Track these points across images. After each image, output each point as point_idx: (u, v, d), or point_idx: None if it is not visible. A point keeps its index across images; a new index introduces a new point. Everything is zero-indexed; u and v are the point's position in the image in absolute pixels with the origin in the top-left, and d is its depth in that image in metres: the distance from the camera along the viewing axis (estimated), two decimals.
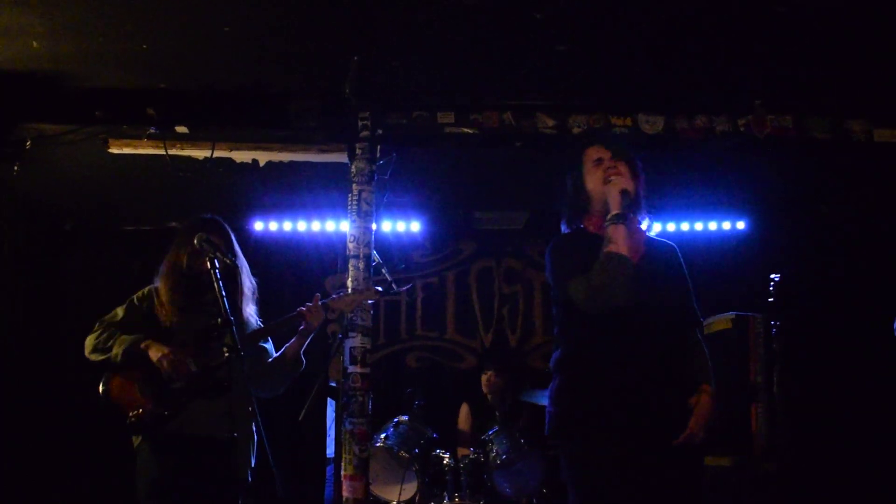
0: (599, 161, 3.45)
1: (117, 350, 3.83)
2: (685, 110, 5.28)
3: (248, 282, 4.16)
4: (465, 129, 5.19)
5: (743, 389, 5.50)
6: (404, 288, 5.98)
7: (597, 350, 3.20)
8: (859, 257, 7.02)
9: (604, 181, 3.35)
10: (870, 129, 5.35)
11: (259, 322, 4.23)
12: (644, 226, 3.47)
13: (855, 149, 5.39)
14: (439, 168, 6.38)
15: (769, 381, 5.65)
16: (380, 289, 4.45)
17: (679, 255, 3.54)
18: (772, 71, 4.94)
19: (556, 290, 3.34)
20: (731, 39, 4.56)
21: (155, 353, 3.78)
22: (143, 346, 3.82)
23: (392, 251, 7.28)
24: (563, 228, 3.58)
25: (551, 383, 3.37)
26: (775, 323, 5.50)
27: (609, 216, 3.22)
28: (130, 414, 3.77)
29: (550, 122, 5.20)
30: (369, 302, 4.66)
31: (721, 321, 5.72)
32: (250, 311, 4.19)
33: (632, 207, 3.30)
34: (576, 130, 5.21)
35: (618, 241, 3.15)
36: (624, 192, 3.27)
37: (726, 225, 7.51)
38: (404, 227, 7.44)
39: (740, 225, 7.50)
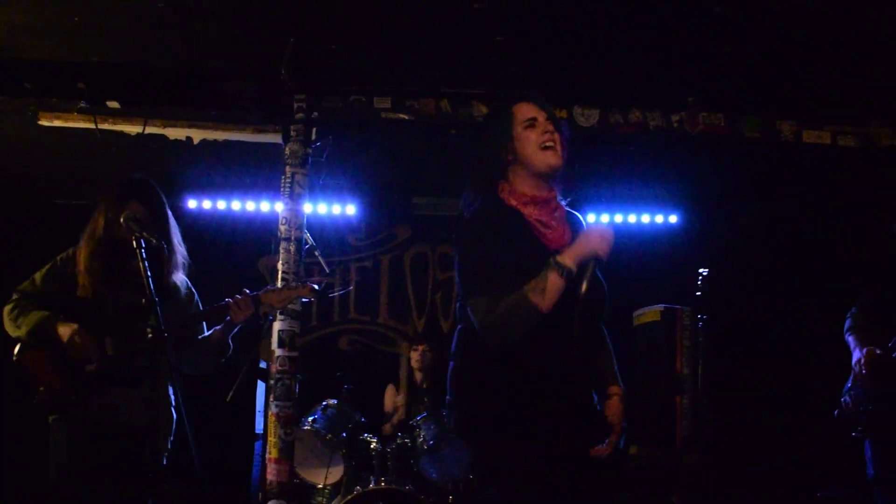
0: (533, 121, 2.88)
1: (24, 329, 3.63)
2: (620, 104, 5.34)
3: (179, 256, 3.99)
4: (402, 115, 5.19)
5: (669, 381, 5.58)
6: (334, 273, 5.95)
7: (500, 375, 2.79)
8: (785, 254, 7.19)
9: (542, 148, 2.85)
10: (799, 129, 5.48)
11: (192, 290, 4.12)
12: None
13: (784, 148, 5.52)
14: (376, 152, 6.37)
15: (694, 373, 5.75)
16: (316, 287, 4.28)
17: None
18: (706, 69, 5.03)
19: (460, 291, 2.87)
20: (666, 36, 4.63)
21: (64, 332, 3.58)
22: (51, 325, 3.61)
23: (327, 233, 7.23)
24: (467, 201, 3.01)
25: (451, 365, 2.98)
26: (702, 316, 5.60)
27: (560, 261, 2.67)
28: (40, 389, 3.61)
29: (486, 111, 5.21)
30: (304, 300, 4.54)
31: (650, 313, 5.81)
32: (180, 279, 4.04)
33: (586, 272, 2.73)
34: None
35: (548, 295, 2.65)
36: (595, 260, 2.73)
37: (659, 218, 7.61)
38: (340, 209, 7.40)
39: (672, 219, 7.62)
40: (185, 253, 4.01)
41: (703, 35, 4.60)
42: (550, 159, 2.84)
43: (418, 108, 5.21)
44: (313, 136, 5.12)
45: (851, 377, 4.16)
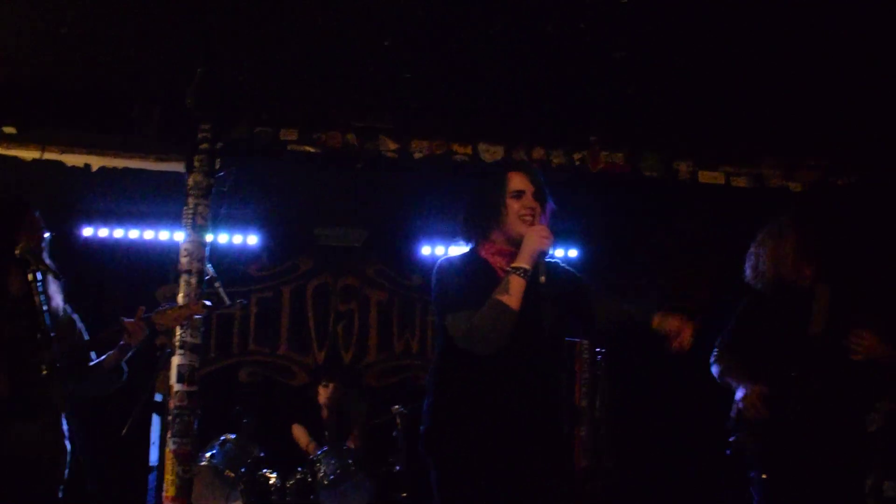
0: (520, 193, 3.18)
1: None
2: (524, 141, 5.42)
3: (59, 282, 3.82)
4: (308, 148, 5.17)
5: (570, 413, 5.65)
6: (236, 303, 5.83)
7: (474, 372, 3.07)
8: (681, 289, 7.35)
9: (520, 218, 3.15)
10: (695, 170, 5.66)
11: (71, 314, 3.96)
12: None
13: (681, 188, 5.70)
14: (281, 183, 6.31)
15: (592, 404, 5.83)
16: (208, 303, 4.24)
17: (578, 277, 3.42)
18: (608, 110, 5.15)
19: (437, 315, 3.20)
20: (569, 77, 4.74)
21: None
22: None
23: (228, 263, 7.10)
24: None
25: (426, 399, 3.22)
26: (600, 350, 5.70)
27: (516, 265, 3.03)
28: None
29: (393, 146, 5.25)
30: (197, 317, 4.49)
31: None
32: (59, 304, 3.86)
33: (540, 268, 3.08)
34: (417, 155, 5.28)
35: (514, 294, 2.99)
36: (542, 254, 3.08)
37: (559, 252, 7.70)
38: (241, 239, 7.29)
39: (572, 253, 7.73)
40: (60, 280, 3.84)
41: (605, 77, 4.72)
42: (523, 230, 3.10)
43: (325, 140, 5.21)
44: (217, 167, 5.03)
45: (735, 413, 4.22)
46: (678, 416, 6.88)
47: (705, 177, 5.62)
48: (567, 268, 3.41)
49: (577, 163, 5.49)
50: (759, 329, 4.14)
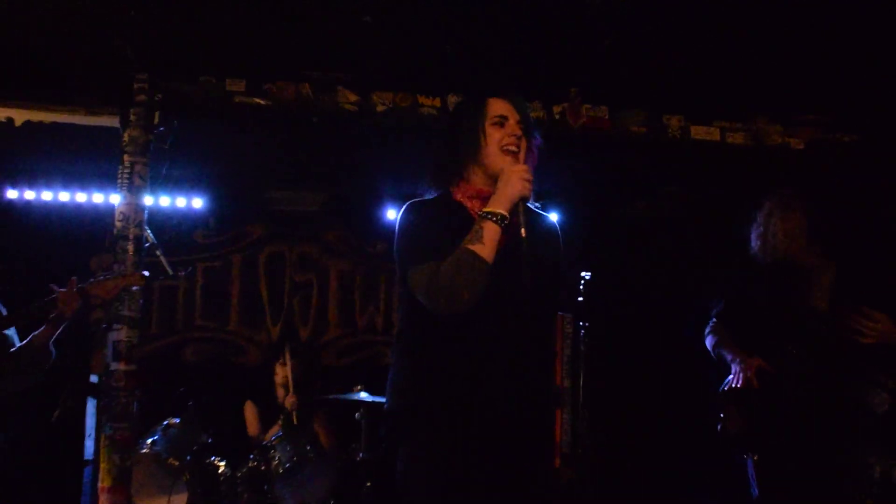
0: (503, 120, 3.00)
1: None
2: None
3: None
4: (258, 100, 5.17)
5: (550, 394, 5.71)
6: (181, 272, 5.85)
7: (443, 339, 2.90)
8: (668, 258, 7.45)
9: (503, 150, 2.97)
10: (686, 125, 5.72)
11: None
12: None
13: (670, 145, 5.77)
14: (228, 139, 6.31)
15: (576, 384, 5.91)
16: (146, 273, 4.24)
17: (559, 235, 3.22)
18: (589, 60, 5.17)
19: (399, 269, 2.99)
20: (548, 24, 4.74)
21: None
22: None
23: (170, 229, 7.10)
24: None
25: (390, 371, 3.05)
26: (584, 324, 5.75)
27: (488, 210, 2.84)
28: None
29: (353, 98, 5.27)
30: (135, 288, 4.52)
31: None
32: None
33: (519, 216, 2.85)
34: (380, 108, 5.30)
35: (487, 243, 2.79)
36: (522, 200, 2.86)
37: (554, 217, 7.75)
38: (185, 203, 7.29)
39: (552, 217, 7.76)
40: None
41: (586, 24, 4.74)
42: (512, 178, 2.89)
43: (276, 91, 5.21)
44: (156, 121, 5.04)
45: (726, 387, 4.33)
46: (667, 397, 7.01)
47: (698, 132, 5.69)
48: (550, 221, 3.23)
49: (557, 117, 5.53)
50: (757, 301, 4.26)
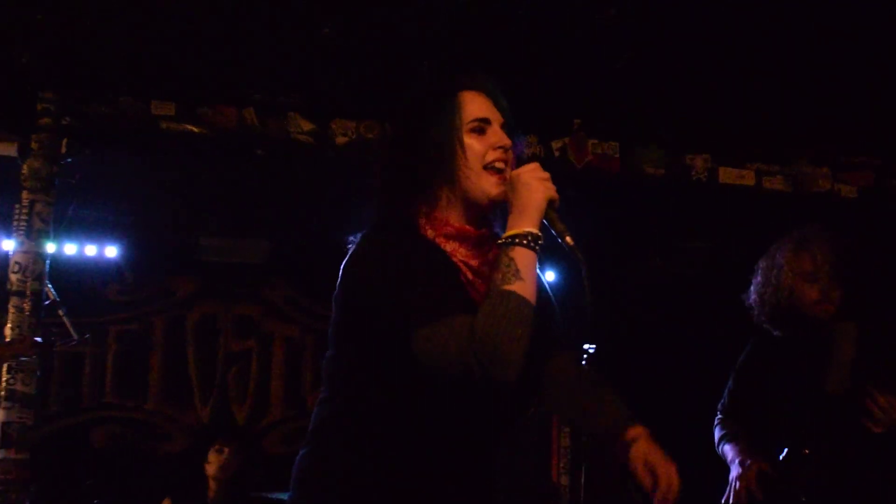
0: (483, 125, 2.58)
1: None
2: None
3: None
4: (190, 127, 5.13)
5: (543, 495, 5.66)
6: (87, 337, 5.75)
7: (407, 423, 2.54)
8: (690, 327, 7.42)
9: (485, 163, 2.53)
10: (714, 166, 5.71)
11: None
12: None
13: (694, 190, 5.75)
14: (152, 175, 6.26)
15: (576, 483, 5.85)
16: (39, 339, 4.20)
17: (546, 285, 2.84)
18: (597, 86, 5.16)
19: (375, 328, 2.54)
20: (546, 41, 4.73)
21: None
22: None
23: (77, 283, 7.02)
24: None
25: (301, 455, 2.64)
26: None
27: (513, 233, 2.43)
28: None
29: (307, 126, 5.25)
30: (23, 359, 4.46)
31: None
32: None
33: (557, 225, 2.52)
34: (340, 139, 5.28)
35: (526, 276, 2.38)
36: (551, 203, 2.47)
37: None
38: (96, 251, 7.22)
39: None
40: None
41: (594, 41, 4.72)
42: (492, 188, 2.53)
43: (213, 117, 5.18)
44: (63, 150, 5.00)
45: (730, 494, 4.28)
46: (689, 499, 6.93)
47: (728, 175, 5.67)
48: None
49: (556, 154, 5.51)
50: (763, 385, 4.19)
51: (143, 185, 6.45)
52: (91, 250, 7.22)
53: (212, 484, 6.41)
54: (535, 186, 2.43)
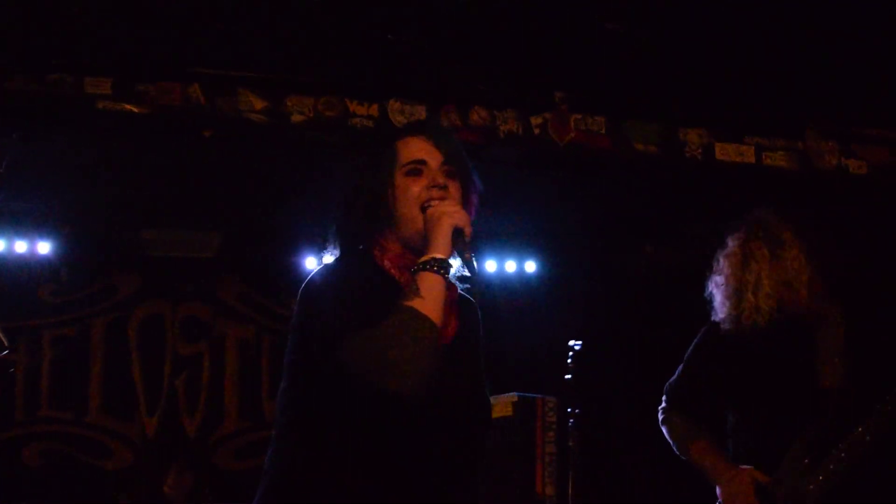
0: (420, 166, 2.91)
1: None
2: (457, 98, 5.41)
3: None
4: (128, 106, 5.06)
5: None
6: (11, 346, 5.72)
7: (356, 456, 2.77)
8: (684, 320, 7.39)
9: (421, 206, 2.85)
10: (710, 142, 5.69)
11: None
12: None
13: (688, 169, 5.73)
14: (88, 161, 6.18)
15: (563, 493, 5.81)
16: None
17: (479, 316, 3.16)
18: (581, 54, 5.14)
19: (318, 344, 2.81)
20: (522, 4, 4.70)
21: None
22: None
23: (6, 284, 7.06)
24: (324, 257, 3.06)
25: (268, 475, 2.85)
26: (574, 409, 5.66)
27: (426, 260, 2.75)
28: None
29: (259, 105, 5.19)
30: None
31: (499, 404, 5.83)
32: None
33: (464, 252, 2.82)
34: (297, 118, 5.23)
35: (426, 294, 2.71)
36: (457, 231, 2.78)
37: (509, 266, 7.70)
38: (26, 247, 7.14)
39: (529, 267, 7.72)
40: None
41: (577, 4, 4.70)
42: (442, 224, 2.82)
43: (155, 95, 5.11)
44: None
45: None
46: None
47: (725, 152, 5.66)
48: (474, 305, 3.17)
49: (537, 131, 5.47)
50: (733, 376, 4.14)
51: (78, 173, 6.38)
52: (21, 246, 7.17)
53: None
54: (441, 220, 2.78)
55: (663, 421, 4.34)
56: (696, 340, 4.27)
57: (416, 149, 2.94)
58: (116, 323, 7.56)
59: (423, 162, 2.91)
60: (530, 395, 5.72)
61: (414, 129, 3.04)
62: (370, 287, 2.84)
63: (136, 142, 5.69)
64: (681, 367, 4.32)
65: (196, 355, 7.61)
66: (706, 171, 5.74)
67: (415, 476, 2.82)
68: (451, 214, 2.79)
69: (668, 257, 7.48)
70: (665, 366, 7.23)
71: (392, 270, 2.92)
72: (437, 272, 2.74)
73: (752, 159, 5.72)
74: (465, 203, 2.94)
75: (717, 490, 4.05)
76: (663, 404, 4.34)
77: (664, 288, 7.54)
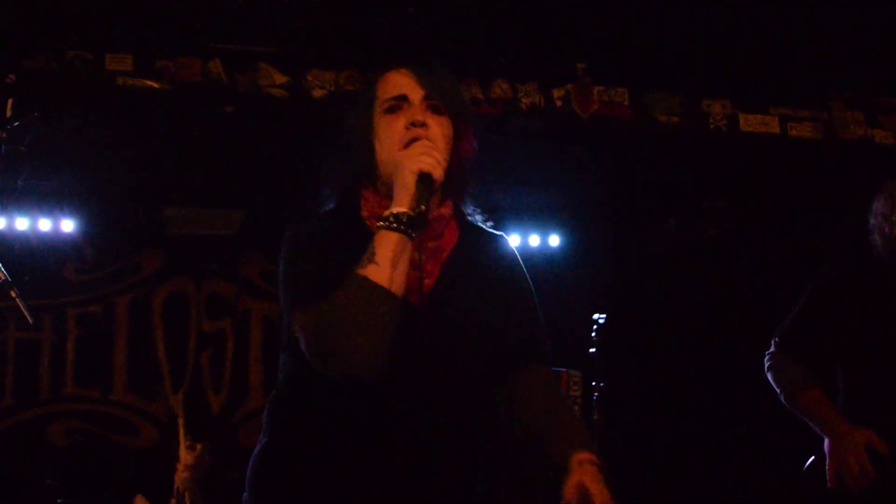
0: (400, 101, 2.64)
1: None
2: (479, 70, 5.39)
3: None
4: (149, 83, 5.06)
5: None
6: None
7: (336, 413, 2.59)
8: (709, 294, 7.38)
9: (402, 142, 2.59)
10: (734, 112, 5.67)
11: None
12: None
13: (712, 140, 5.70)
14: (109, 139, 6.18)
15: None
16: None
17: (518, 262, 2.93)
18: (604, 26, 5.12)
19: (283, 312, 2.69)
20: None
21: None
22: None
23: (30, 261, 7.00)
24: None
25: (256, 448, 2.74)
26: (598, 384, 5.64)
27: (385, 215, 2.49)
28: None
29: (280, 80, 5.18)
30: None
31: None
32: None
33: (427, 203, 2.52)
34: (318, 93, 5.21)
35: (381, 259, 2.44)
36: (423, 178, 2.50)
37: (533, 240, 7.68)
38: (51, 225, 7.19)
39: (553, 240, 7.71)
40: None
41: None
42: (406, 168, 2.52)
43: (175, 71, 5.10)
44: (8, 113, 4.93)
45: (840, 474, 4.07)
46: (710, 482, 6.91)
47: (750, 122, 5.62)
48: (504, 242, 2.93)
49: (558, 103, 5.44)
50: (858, 322, 4.03)
51: (99, 151, 6.38)
52: (45, 225, 7.19)
53: (184, 484, 6.43)
54: (404, 164, 2.49)
55: (770, 367, 4.14)
56: (816, 281, 4.10)
57: (396, 84, 2.66)
58: (141, 301, 7.57)
59: (403, 98, 2.63)
60: (555, 368, 5.71)
61: (394, 61, 2.72)
62: (345, 245, 2.57)
63: (156, 118, 5.67)
64: (796, 308, 4.15)
65: (220, 332, 7.62)
66: (730, 142, 5.69)
67: (387, 461, 2.58)
68: (414, 158, 2.50)
69: (691, 230, 7.45)
70: (689, 339, 7.27)
71: (370, 223, 2.66)
72: (397, 229, 2.46)
73: (777, 130, 5.68)
74: (456, 142, 2.68)
75: (826, 444, 3.95)
76: (771, 349, 4.17)
77: (688, 261, 7.51)
